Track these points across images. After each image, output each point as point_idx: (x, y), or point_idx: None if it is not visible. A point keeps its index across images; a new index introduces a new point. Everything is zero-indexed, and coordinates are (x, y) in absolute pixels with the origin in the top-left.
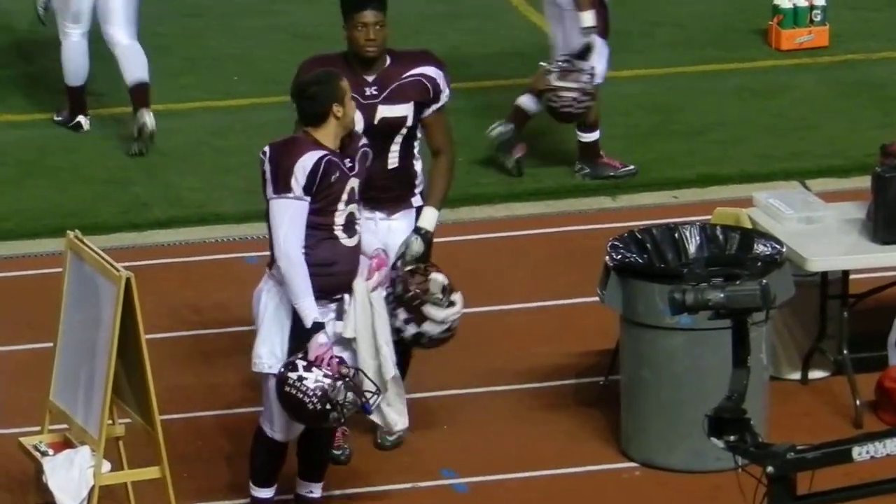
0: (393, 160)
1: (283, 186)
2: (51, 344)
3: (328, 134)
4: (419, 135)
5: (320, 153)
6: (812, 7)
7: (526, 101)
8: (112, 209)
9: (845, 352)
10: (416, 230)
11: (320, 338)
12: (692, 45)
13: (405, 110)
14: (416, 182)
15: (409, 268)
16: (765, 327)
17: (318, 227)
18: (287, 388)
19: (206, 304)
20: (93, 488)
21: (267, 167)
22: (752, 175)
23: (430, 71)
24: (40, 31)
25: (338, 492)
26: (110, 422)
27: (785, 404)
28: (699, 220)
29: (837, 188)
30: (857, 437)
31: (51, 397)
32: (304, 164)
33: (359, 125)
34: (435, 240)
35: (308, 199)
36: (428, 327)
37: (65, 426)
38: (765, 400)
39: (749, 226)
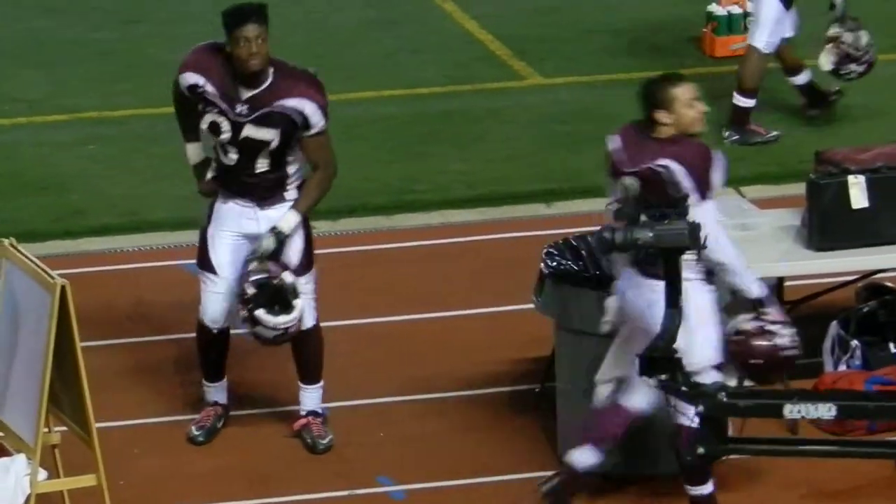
0: (261, 167)
1: (708, 189)
2: None
3: None
4: (295, 146)
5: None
6: (746, 14)
7: (800, 80)
8: (47, 217)
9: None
10: (272, 229)
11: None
12: (627, 52)
13: (271, 135)
14: (289, 182)
15: (255, 264)
16: None
17: None
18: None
19: (142, 312)
20: (29, 496)
21: (684, 177)
22: None
23: (304, 106)
24: None
25: (275, 499)
26: (46, 430)
27: None
28: None
29: (772, 195)
30: (791, 393)
31: None
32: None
33: (226, 135)
34: (371, 247)
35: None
36: (260, 330)
37: (0, 434)
38: None
39: None
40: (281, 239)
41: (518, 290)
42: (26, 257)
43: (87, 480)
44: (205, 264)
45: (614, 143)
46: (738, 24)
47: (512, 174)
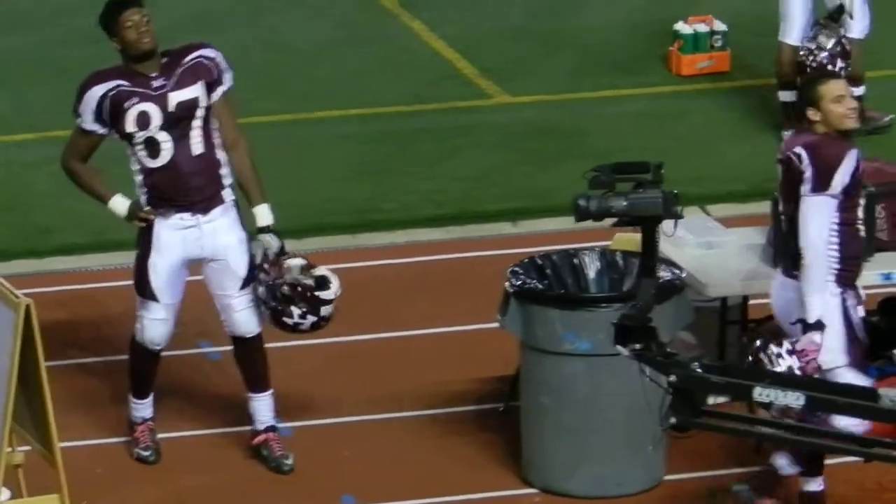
0: (196, 146)
1: (824, 185)
2: None
3: None
4: (216, 124)
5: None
6: (713, 32)
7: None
8: (13, 236)
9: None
10: (263, 229)
11: (816, 337)
12: (594, 69)
13: (196, 91)
14: (223, 173)
15: (267, 265)
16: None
17: (845, 222)
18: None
19: (109, 332)
20: None
21: (807, 167)
22: None
23: (207, 52)
24: None
25: None
26: (10, 449)
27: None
28: (599, 245)
29: (738, 213)
30: (764, 375)
31: None
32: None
33: (156, 119)
34: (337, 265)
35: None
36: (325, 310)
37: None
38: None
39: None
40: (278, 232)
41: (483, 308)
42: None
43: (50, 500)
44: (145, 292)
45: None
46: (704, 42)
47: (479, 192)
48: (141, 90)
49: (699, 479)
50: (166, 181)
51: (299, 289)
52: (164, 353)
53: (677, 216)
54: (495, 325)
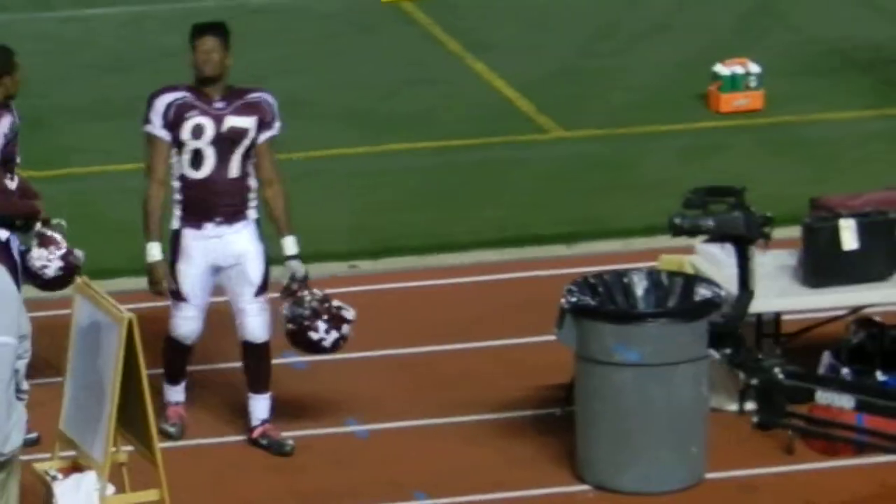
0: (233, 170)
1: None
2: (60, 378)
3: None
4: (253, 159)
5: None
6: (748, 74)
7: None
8: (119, 256)
9: (752, 414)
10: (292, 257)
11: None
12: (641, 107)
13: (249, 123)
14: (251, 196)
15: (295, 288)
16: (706, 363)
17: None
18: None
19: (202, 343)
20: None
21: None
22: None
23: (268, 98)
24: None
25: None
26: (114, 449)
27: (724, 433)
28: (646, 266)
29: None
30: (828, 380)
31: (60, 427)
32: None
33: (208, 134)
34: (409, 284)
35: None
36: (346, 329)
37: (73, 453)
38: (706, 428)
39: (691, 271)
40: (301, 259)
41: (541, 322)
42: (97, 293)
43: (151, 495)
44: (176, 295)
45: None
46: (740, 82)
47: (536, 219)
48: (202, 106)
49: (737, 478)
50: (202, 194)
51: (326, 304)
52: None
53: (764, 236)
54: (552, 338)
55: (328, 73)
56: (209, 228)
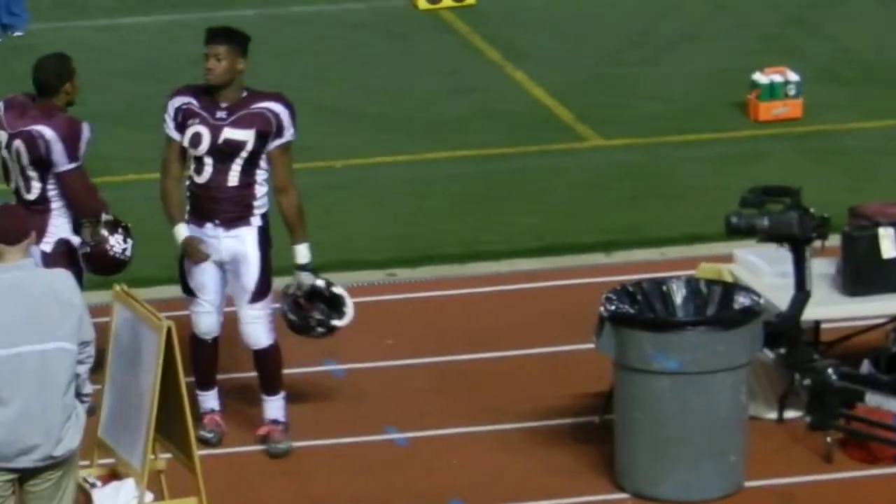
0: (233, 179)
1: None
2: (98, 386)
3: None
4: (264, 165)
5: None
6: (787, 82)
7: None
8: (156, 264)
9: (803, 414)
10: (300, 267)
11: None
12: (679, 116)
13: (247, 135)
14: (255, 203)
15: (299, 294)
16: (745, 371)
17: None
18: None
19: (238, 350)
20: None
21: None
22: None
23: (276, 107)
24: None
25: None
26: (153, 456)
27: (763, 441)
28: (685, 274)
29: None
30: (879, 382)
31: (99, 434)
32: None
33: (204, 145)
34: (447, 292)
35: None
36: (339, 326)
37: (112, 460)
38: (745, 437)
39: (730, 280)
40: (310, 270)
41: (580, 331)
42: (137, 301)
43: (189, 503)
44: (187, 290)
45: None
46: (779, 90)
47: (574, 227)
48: (204, 115)
49: (775, 487)
50: (202, 197)
51: (322, 320)
52: (294, 371)
53: (820, 237)
54: (591, 346)
55: (365, 81)
56: (209, 228)
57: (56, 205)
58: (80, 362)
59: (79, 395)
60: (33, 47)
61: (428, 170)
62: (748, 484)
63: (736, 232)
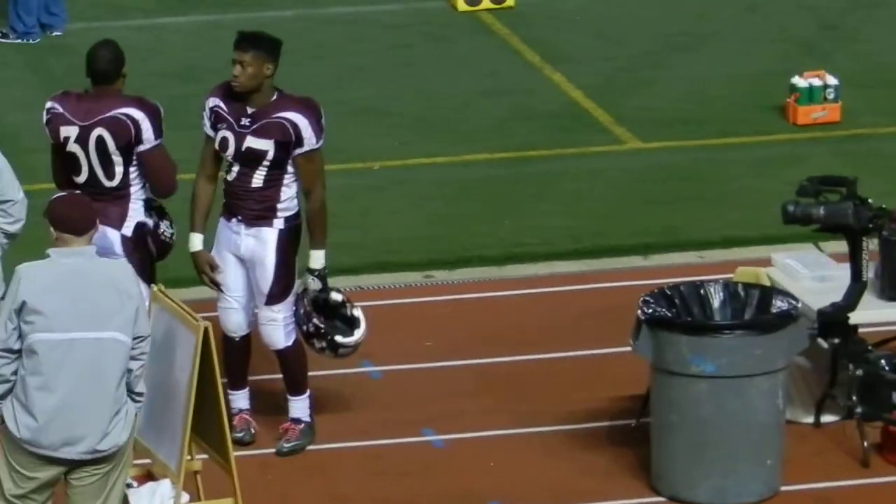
0: (256, 182)
1: None
2: None
3: None
4: (291, 168)
5: None
6: (826, 86)
7: None
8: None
9: (854, 403)
10: (310, 271)
11: None
12: (717, 119)
13: (267, 145)
14: (279, 206)
15: (308, 308)
16: (782, 375)
17: None
18: None
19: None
20: None
21: None
22: (771, 237)
23: (295, 117)
24: None
25: None
26: (189, 457)
27: (800, 445)
28: (722, 278)
29: (847, 250)
30: None
31: (135, 434)
32: None
33: (230, 150)
34: (485, 294)
35: None
36: (343, 351)
37: (148, 461)
38: (782, 441)
39: (768, 283)
40: (322, 276)
41: (617, 334)
42: (174, 301)
43: (225, 503)
44: (217, 285)
45: None
46: (818, 94)
47: (612, 229)
48: (231, 120)
49: (812, 491)
50: (231, 195)
51: (322, 329)
52: (329, 372)
53: (877, 228)
54: (628, 349)
55: (403, 82)
56: (234, 223)
57: (135, 188)
58: (134, 358)
59: (131, 392)
60: (71, 47)
61: (465, 171)
62: (785, 488)
63: (792, 220)
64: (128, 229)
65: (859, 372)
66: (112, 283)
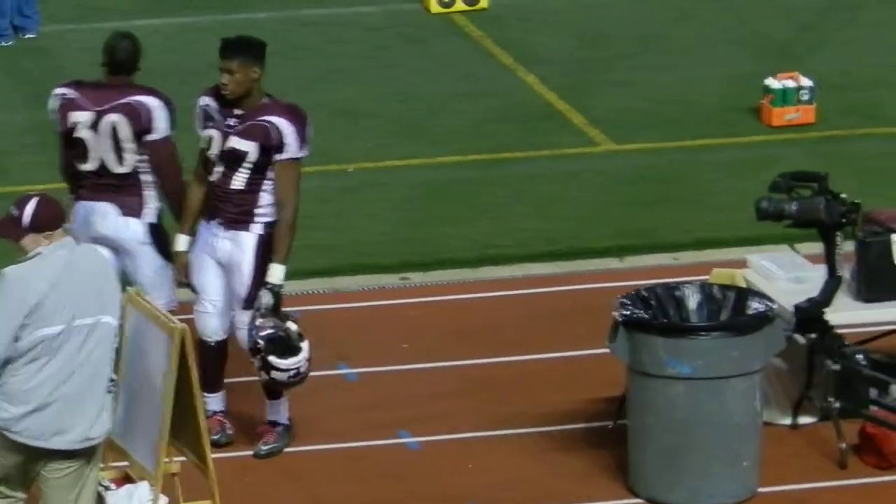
0: (237, 183)
1: None
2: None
3: None
4: (272, 175)
5: None
6: (800, 88)
7: None
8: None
9: (831, 399)
10: (265, 285)
11: None
12: (692, 121)
13: (248, 147)
14: (258, 211)
15: (261, 319)
16: (759, 376)
17: None
18: None
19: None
20: None
21: None
22: (746, 239)
23: (280, 122)
24: None
25: None
26: (167, 460)
27: (777, 447)
28: (698, 279)
29: (823, 251)
30: None
31: (112, 436)
32: None
33: (215, 148)
34: (459, 296)
35: None
36: (276, 375)
37: (125, 463)
38: (759, 442)
39: (744, 285)
40: (276, 291)
41: (593, 335)
42: (149, 304)
43: None
44: (191, 286)
45: None
46: (792, 96)
47: (587, 231)
48: (219, 118)
49: (789, 493)
50: (212, 195)
51: (259, 347)
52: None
53: (850, 223)
54: (604, 350)
55: (378, 84)
56: (213, 225)
57: (146, 176)
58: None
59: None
60: (45, 49)
61: (440, 173)
62: (762, 490)
63: (765, 216)
64: (149, 216)
65: (836, 367)
66: (95, 268)
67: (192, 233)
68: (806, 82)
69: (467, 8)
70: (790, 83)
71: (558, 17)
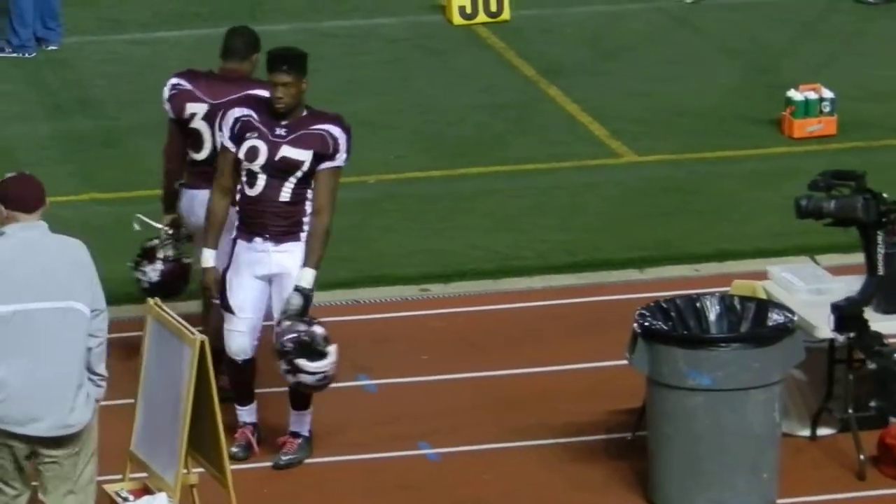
0: (285, 195)
1: None
2: (132, 400)
3: None
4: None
5: None
6: (822, 99)
7: None
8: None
9: (850, 411)
10: (295, 288)
11: None
12: (713, 132)
13: (304, 156)
14: (306, 220)
15: (288, 322)
16: (779, 388)
17: None
18: None
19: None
20: None
21: None
22: (766, 251)
23: (334, 130)
24: None
25: None
26: (185, 471)
27: (796, 458)
28: (718, 291)
29: (844, 263)
30: None
31: (131, 448)
32: None
33: (260, 159)
34: (480, 308)
35: None
36: (302, 377)
37: (144, 474)
38: (778, 454)
39: (764, 297)
40: (306, 294)
41: (613, 347)
42: (169, 315)
43: None
44: (225, 305)
45: None
46: (814, 107)
47: (608, 243)
48: (264, 129)
49: None
50: (254, 211)
51: (287, 350)
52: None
53: (890, 222)
54: (624, 362)
55: (399, 96)
56: (258, 243)
57: None
58: (92, 335)
59: (92, 372)
60: (67, 61)
61: (461, 185)
62: (780, 501)
63: (805, 214)
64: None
65: (873, 366)
66: (66, 255)
67: (217, 246)
68: (828, 94)
69: (489, 20)
70: (812, 95)
71: (580, 29)
